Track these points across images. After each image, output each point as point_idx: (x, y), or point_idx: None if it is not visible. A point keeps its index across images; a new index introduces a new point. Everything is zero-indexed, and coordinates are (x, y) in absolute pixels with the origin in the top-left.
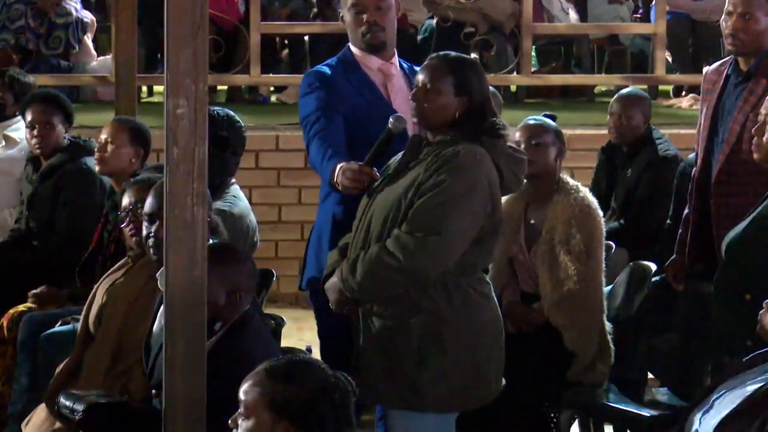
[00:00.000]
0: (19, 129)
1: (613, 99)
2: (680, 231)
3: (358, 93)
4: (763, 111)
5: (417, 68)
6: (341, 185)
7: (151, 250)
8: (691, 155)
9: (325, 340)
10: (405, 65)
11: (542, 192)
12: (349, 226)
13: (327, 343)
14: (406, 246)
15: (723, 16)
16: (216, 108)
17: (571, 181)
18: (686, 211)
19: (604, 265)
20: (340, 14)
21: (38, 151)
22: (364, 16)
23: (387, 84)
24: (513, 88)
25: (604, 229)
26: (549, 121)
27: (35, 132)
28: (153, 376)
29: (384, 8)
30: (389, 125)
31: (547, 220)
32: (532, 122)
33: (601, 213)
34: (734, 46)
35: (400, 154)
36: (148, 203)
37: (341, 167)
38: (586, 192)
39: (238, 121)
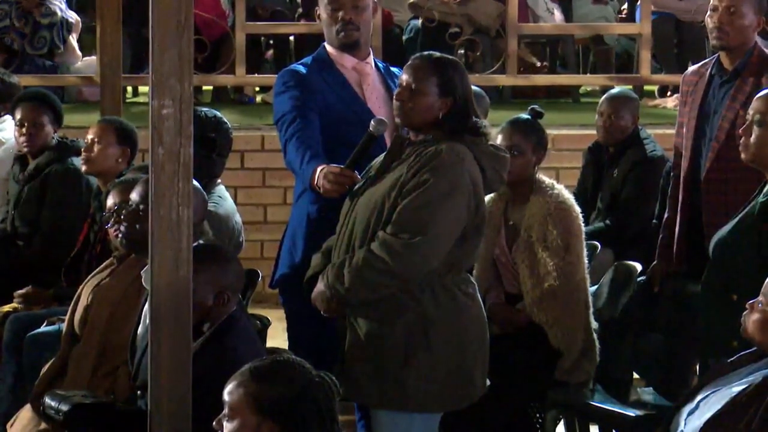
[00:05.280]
0: (5, 129)
1: (602, 99)
2: (661, 235)
3: (333, 92)
4: (750, 111)
5: (393, 68)
6: (323, 188)
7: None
8: None
9: (295, 337)
10: (380, 65)
11: (520, 193)
12: (323, 225)
13: (296, 341)
14: (392, 248)
15: (708, 12)
16: (204, 109)
17: (547, 180)
18: (666, 215)
19: (585, 261)
20: (317, 12)
21: (26, 149)
22: (340, 14)
23: (362, 83)
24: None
25: (582, 224)
26: (531, 123)
27: (24, 130)
28: (138, 376)
29: (360, 7)
30: (370, 128)
31: (525, 219)
32: (512, 128)
33: (578, 209)
34: (719, 40)
35: (381, 156)
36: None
37: (322, 170)
38: (561, 189)
39: (226, 123)
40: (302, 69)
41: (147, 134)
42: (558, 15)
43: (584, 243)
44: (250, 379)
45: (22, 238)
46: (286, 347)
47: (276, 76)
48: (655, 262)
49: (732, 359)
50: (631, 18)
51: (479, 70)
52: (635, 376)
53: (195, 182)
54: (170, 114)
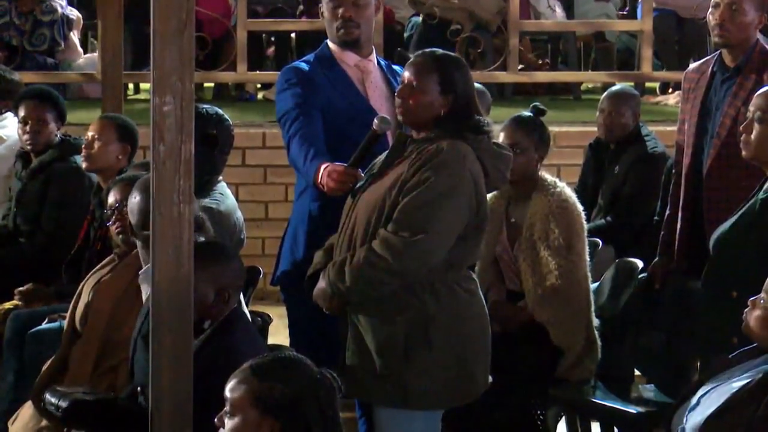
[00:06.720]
0: (6, 126)
1: (603, 96)
2: (663, 232)
3: (335, 89)
4: (751, 108)
5: (395, 66)
6: (326, 186)
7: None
8: None
9: (296, 334)
10: (383, 62)
11: (522, 191)
12: (324, 222)
13: (298, 338)
14: (393, 247)
15: (710, 9)
16: (205, 106)
17: (549, 178)
18: (667, 212)
19: (587, 259)
20: (320, 9)
21: (29, 147)
22: (340, 11)
23: (364, 81)
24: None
25: (585, 223)
26: (533, 120)
27: (27, 128)
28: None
29: (361, 5)
30: (374, 126)
31: (527, 218)
32: (514, 125)
33: (580, 207)
34: (721, 37)
35: (384, 154)
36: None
37: (326, 168)
38: (564, 187)
39: (227, 120)
40: (305, 66)
41: (148, 131)
42: (559, 12)
43: (586, 241)
44: (251, 376)
45: (23, 236)
46: (288, 344)
47: (277, 73)
48: (656, 259)
49: (732, 355)
50: (632, 15)
51: (481, 68)
52: (636, 373)
53: None
54: (171, 111)
